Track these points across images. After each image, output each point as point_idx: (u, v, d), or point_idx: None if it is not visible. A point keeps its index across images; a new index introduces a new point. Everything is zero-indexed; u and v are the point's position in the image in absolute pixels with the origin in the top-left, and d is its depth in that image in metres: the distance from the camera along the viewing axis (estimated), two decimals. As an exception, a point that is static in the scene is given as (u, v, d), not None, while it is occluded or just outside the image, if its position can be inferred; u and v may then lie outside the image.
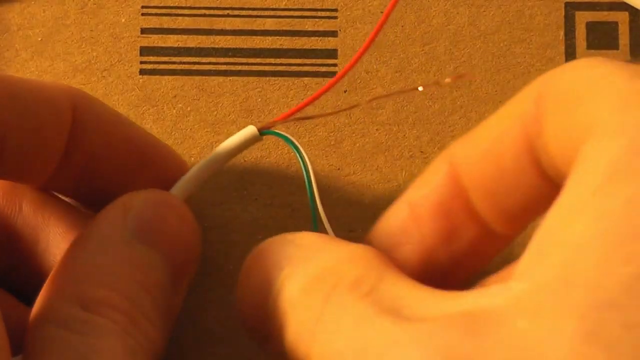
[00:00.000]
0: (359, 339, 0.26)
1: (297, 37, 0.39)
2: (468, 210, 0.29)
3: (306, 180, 0.33)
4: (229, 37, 0.39)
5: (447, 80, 0.35)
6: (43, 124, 0.32)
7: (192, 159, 0.38)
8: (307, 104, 0.34)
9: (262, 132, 0.34)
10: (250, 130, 0.34)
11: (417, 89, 0.37)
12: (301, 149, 0.33)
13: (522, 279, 0.24)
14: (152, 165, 0.34)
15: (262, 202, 0.38)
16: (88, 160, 0.33)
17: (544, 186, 0.29)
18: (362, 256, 0.28)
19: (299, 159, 0.33)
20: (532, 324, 0.22)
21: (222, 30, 0.39)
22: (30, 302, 0.34)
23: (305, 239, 0.30)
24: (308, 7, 0.39)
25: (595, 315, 0.21)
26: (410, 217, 0.30)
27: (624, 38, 0.39)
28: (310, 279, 0.28)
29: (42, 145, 0.32)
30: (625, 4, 0.39)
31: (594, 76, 0.26)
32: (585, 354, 0.21)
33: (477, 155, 0.29)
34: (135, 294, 0.31)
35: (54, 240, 0.34)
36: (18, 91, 0.31)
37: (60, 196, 0.35)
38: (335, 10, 0.39)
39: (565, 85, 0.27)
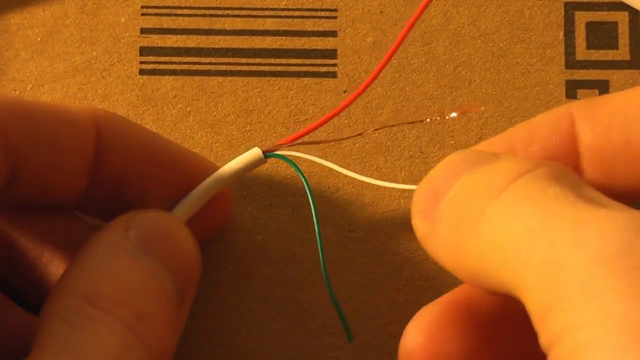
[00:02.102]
0: (549, 210, 0.26)
1: (297, 37, 0.39)
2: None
3: (312, 209, 0.33)
4: (228, 37, 0.39)
5: (453, 114, 0.35)
6: (62, 146, 0.31)
7: (192, 159, 0.38)
8: (313, 129, 0.34)
9: (267, 154, 0.34)
10: (255, 152, 0.34)
11: (421, 121, 0.37)
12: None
13: None
14: (183, 178, 0.34)
15: (262, 202, 0.38)
16: (116, 181, 0.33)
17: None
18: (563, 167, 0.28)
19: (304, 183, 0.33)
20: None
21: (221, 30, 0.39)
22: (31, 310, 0.34)
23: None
24: (308, 7, 0.39)
25: None
26: None
27: (623, 38, 0.39)
28: (505, 163, 0.28)
29: (64, 167, 0.32)
30: (625, 3, 0.39)
31: None
32: None
33: (606, 127, 0.30)
34: (142, 294, 0.31)
35: (58, 252, 0.34)
36: (32, 113, 0.31)
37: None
38: (335, 10, 0.39)
39: None
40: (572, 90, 0.39)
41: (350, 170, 0.38)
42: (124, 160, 0.33)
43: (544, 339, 0.25)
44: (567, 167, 0.29)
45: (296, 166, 0.33)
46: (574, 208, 0.26)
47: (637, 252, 0.24)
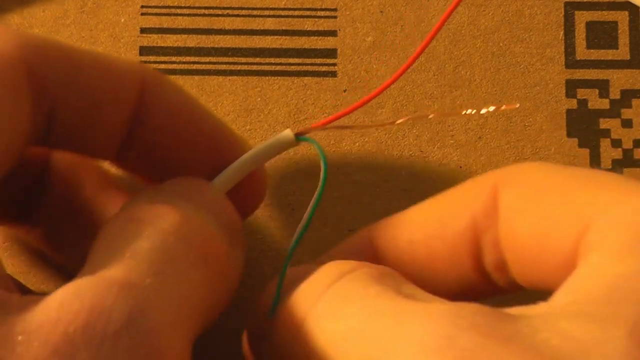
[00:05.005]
0: (370, 308, 0.26)
1: (296, 37, 0.39)
2: None
3: (318, 194, 0.32)
4: (228, 37, 0.39)
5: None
6: (102, 98, 0.31)
7: (192, 158, 0.38)
8: (348, 113, 0.33)
9: (299, 137, 0.33)
10: (286, 134, 0.33)
11: (457, 114, 0.37)
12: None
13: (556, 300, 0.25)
14: (217, 151, 0.33)
15: (262, 201, 0.38)
16: (153, 140, 0.32)
17: (474, 278, 0.31)
18: (383, 267, 0.30)
19: (322, 170, 0.32)
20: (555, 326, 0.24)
21: (221, 29, 0.39)
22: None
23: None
24: (308, 7, 0.39)
25: None
26: None
27: (623, 38, 0.39)
28: (328, 266, 0.29)
29: (102, 119, 0.31)
30: (625, 3, 0.39)
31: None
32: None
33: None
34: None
35: (111, 208, 0.34)
36: (78, 63, 0.30)
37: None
38: (335, 9, 0.39)
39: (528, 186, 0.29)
40: (572, 89, 0.39)
41: (350, 169, 0.38)
42: (164, 122, 0.32)
43: None
44: (387, 268, 0.30)
45: (322, 152, 0.32)
46: (394, 304, 0.26)
47: (458, 346, 0.24)
